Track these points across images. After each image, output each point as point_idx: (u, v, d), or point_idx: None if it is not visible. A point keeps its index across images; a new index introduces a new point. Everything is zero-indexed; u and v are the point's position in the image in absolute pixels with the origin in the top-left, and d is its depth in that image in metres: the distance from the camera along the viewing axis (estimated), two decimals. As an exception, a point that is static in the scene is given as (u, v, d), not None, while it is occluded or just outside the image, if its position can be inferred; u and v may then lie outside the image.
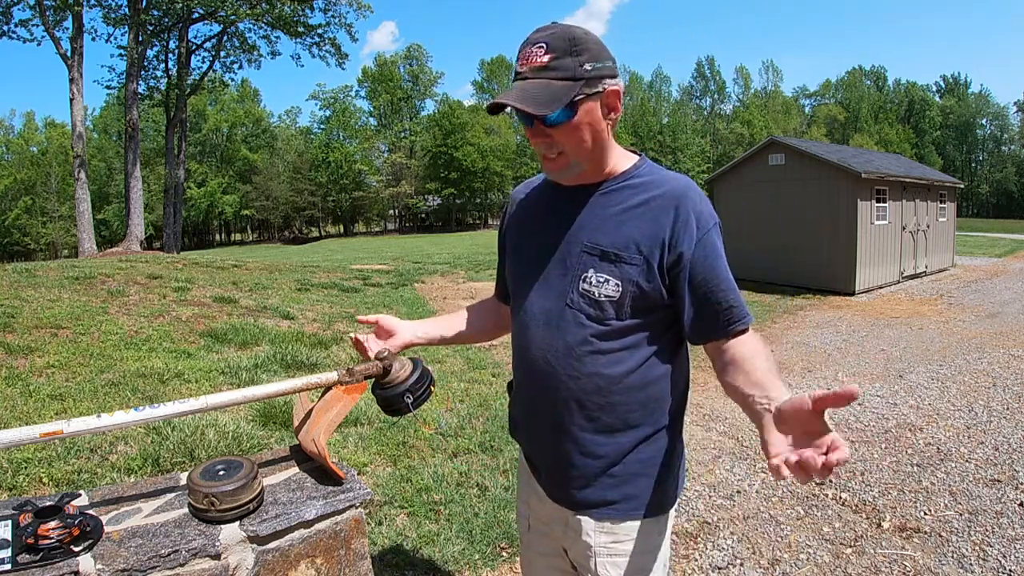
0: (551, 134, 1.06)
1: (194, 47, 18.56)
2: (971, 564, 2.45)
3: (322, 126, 59.41)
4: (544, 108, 1.00)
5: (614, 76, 1.06)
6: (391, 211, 62.43)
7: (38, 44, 16.01)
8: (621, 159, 1.16)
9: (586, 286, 1.11)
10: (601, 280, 1.09)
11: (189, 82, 18.69)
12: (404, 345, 1.33)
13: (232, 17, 17.23)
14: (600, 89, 1.04)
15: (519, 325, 1.23)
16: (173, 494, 1.20)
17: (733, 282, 1.11)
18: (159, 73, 18.36)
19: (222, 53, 19.08)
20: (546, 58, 1.02)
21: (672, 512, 1.23)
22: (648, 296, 1.09)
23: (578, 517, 1.18)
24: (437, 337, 1.41)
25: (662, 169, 1.17)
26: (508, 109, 1.05)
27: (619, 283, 1.08)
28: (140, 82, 17.01)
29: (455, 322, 1.45)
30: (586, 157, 1.10)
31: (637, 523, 1.16)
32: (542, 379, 1.16)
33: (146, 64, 17.53)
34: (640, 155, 1.20)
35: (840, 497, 3.06)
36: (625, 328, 1.10)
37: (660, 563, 1.21)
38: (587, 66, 1.02)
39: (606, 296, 1.09)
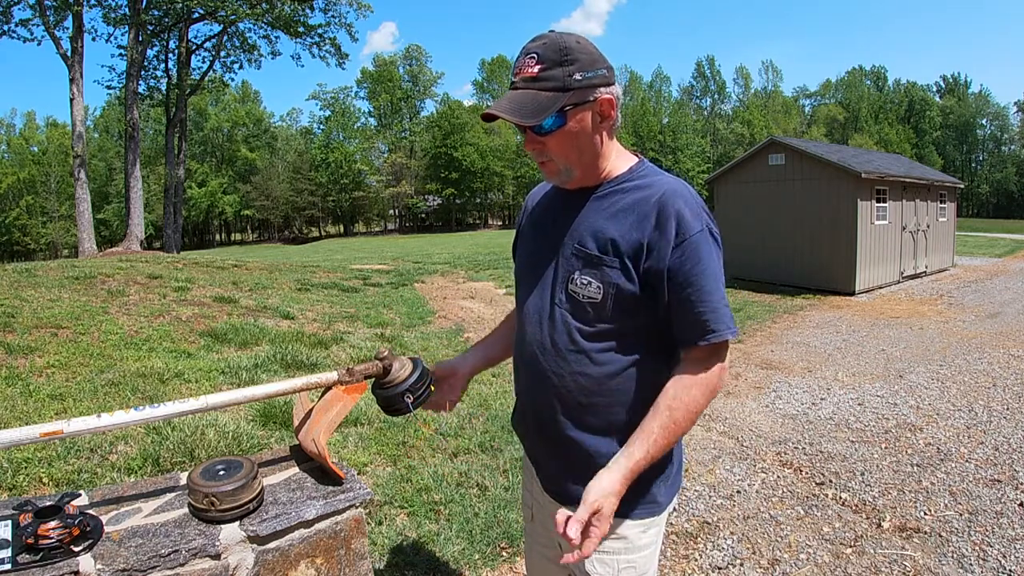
0: (543, 142, 1.10)
1: (194, 47, 18.57)
2: (971, 564, 2.45)
3: (322, 126, 59.46)
4: (530, 119, 1.03)
5: (608, 84, 1.08)
6: (391, 211, 62.46)
7: (38, 44, 16.06)
8: (619, 162, 1.17)
9: (573, 287, 1.13)
10: (585, 282, 1.12)
11: (189, 82, 18.70)
12: (467, 376, 1.40)
13: (232, 17, 17.25)
14: (592, 98, 1.07)
15: (518, 322, 1.27)
16: (173, 494, 1.20)
17: (716, 292, 1.07)
18: (159, 73, 18.42)
19: (222, 53, 19.13)
20: (536, 69, 1.05)
21: (664, 516, 1.23)
22: (628, 299, 1.09)
23: (566, 511, 1.19)
24: (497, 355, 1.46)
25: (659, 171, 1.17)
26: None
27: (600, 285, 1.10)
28: (140, 82, 17.03)
29: (504, 336, 1.47)
30: (576, 163, 1.13)
31: (625, 522, 1.16)
32: (532, 374, 1.20)
33: (146, 64, 17.54)
34: (640, 157, 1.21)
35: (840, 497, 3.06)
36: (610, 330, 1.11)
37: (649, 566, 1.21)
38: (577, 76, 1.05)
39: (588, 298, 1.11)
